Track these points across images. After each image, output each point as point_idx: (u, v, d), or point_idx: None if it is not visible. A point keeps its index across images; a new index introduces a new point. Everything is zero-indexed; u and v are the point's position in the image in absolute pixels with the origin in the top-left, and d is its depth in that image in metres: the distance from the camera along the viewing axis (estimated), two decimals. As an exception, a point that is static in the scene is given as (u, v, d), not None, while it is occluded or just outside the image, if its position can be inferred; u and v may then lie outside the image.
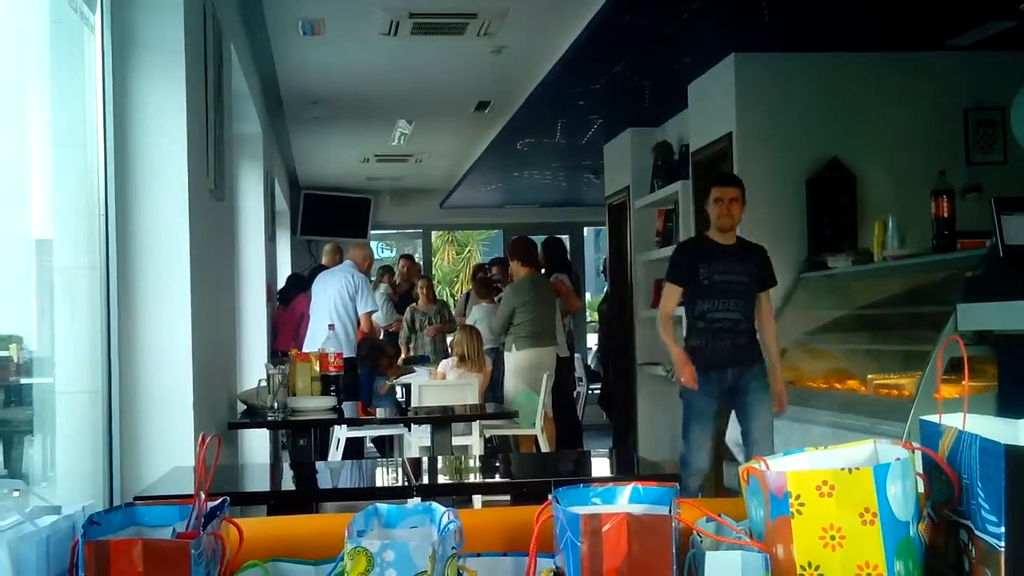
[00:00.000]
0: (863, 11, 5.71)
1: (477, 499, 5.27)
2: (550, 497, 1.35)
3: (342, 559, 1.27)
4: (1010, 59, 6.15)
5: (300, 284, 9.18)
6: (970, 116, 6.43)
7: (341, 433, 7.07)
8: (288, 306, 8.94)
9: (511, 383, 7.60)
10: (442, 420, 5.60)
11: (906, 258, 5.24)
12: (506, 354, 7.75)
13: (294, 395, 5.14)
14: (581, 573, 1.25)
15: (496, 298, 8.69)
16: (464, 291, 12.12)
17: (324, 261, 9.33)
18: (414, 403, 6.84)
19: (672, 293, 5.17)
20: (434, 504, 1.43)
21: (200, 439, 1.42)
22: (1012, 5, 5.44)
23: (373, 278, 9.94)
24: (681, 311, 5.42)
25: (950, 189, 5.10)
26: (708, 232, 5.21)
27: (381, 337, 9.68)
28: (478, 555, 1.46)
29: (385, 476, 4.12)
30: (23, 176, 3.15)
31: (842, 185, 6.31)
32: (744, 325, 5.04)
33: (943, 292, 4.83)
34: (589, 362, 12.27)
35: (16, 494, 1.48)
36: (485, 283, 9.30)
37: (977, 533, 1.23)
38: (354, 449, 7.68)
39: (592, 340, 13.45)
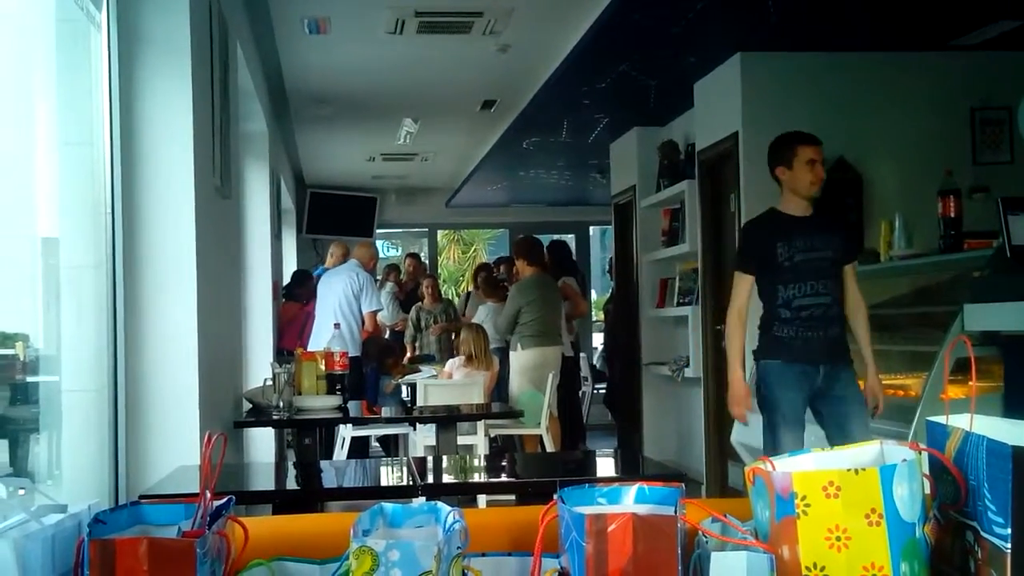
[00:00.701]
0: (870, 11, 5.70)
1: (482, 498, 5.27)
2: (555, 497, 1.35)
3: (347, 558, 1.27)
4: (1017, 58, 6.14)
5: (308, 282, 9.19)
6: (977, 115, 6.42)
7: (346, 432, 7.08)
8: (295, 303, 8.97)
9: (516, 382, 7.60)
10: (447, 419, 5.60)
11: (912, 258, 5.22)
12: (511, 353, 7.75)
13: (299, 394, 5.15)
14: (586, 573, 1.25)
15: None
16: (465, 291, 12.12)
17: (328, 263, 9.32)
18: (419, 402, 6.85)
19: (743, 284, 4.40)
20: (439, 504, 1.43)
21: (206, 438, 1.42)
22: (1019, 4, 5.43)
23: (378, 277, 9.94)
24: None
25: (957, 189, 5.08)
26: (779, 206, 4.49)
27: (386, 336, 9.68)
28: (483, 555, 1.46)
29: (390, 475, 4.12)
30: (30, 174, 3.15)
31: (848, 185, 6.30)
32: (835, 310, 4.33)
33: (950, 292, 4.82)
34: (594, 362, 12.26)
35: (22, 492, 1.47)
36: (492, 282, 9.29)
37: (983, 534, 1.22)
38: (359, 448, 7.69)
39: (597, 339, 13.45)
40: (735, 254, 4.50)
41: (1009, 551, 1.18)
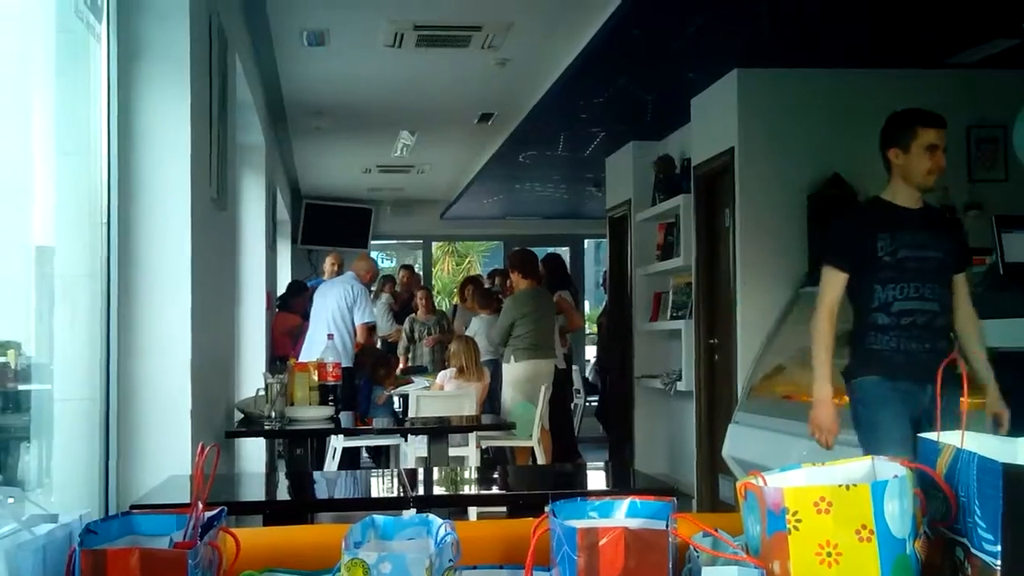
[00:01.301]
0: (866, 28, 5.72)
1: (473, 511, 5.26)
2: (547, 510, 1.35)
3: (339, 570, 1.27)
4: (1012, 77, 6.16)
5: (303, 293, 9.21)
6: (972, 133, 6.44)
7: (338, 443, 7.07)
8: (290, 313, 8.99)
9: (509, 394, 7.60)
10: (439, 431, 5.59)
11: (906, 275, 5.22)
12: (504, 365, 7.75)
13: (292, 404, 5.14)
14: (577, 587, 1.25)
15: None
16: (452, 304, 12.13)
17: (326, 277, 9.36)
18: (411, 413, 6.84)
19: (834, 282, 3.78)
20: (431, 516, 1.43)
21: (199, 448, 1.42)
22: (1015, 23, 5.45)
23: (374, 287, 9.94)
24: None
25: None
26: (884, 194, 3.89)
27: (379, 347, 9.69)
28: (474, 568, 1.46)
29: (381, 487, 4.11)
30: (26, 183, 3.15)
31: (843, 201, 6.30)
32: (942, 322, 3.71)
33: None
34: (587, 374, 12.26)
35: (11, 501, 1.47)
36: (485, 294, 9.31)
37: (973, 551, 1.23)
38: (350, 459, 7.68)
39: (590, 352, 13.46)
40: (824, 248, 3.92)
41: (999, 568, 1.18)
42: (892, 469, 1.32)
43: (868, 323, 3.73)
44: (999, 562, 1.18)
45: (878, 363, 3.68)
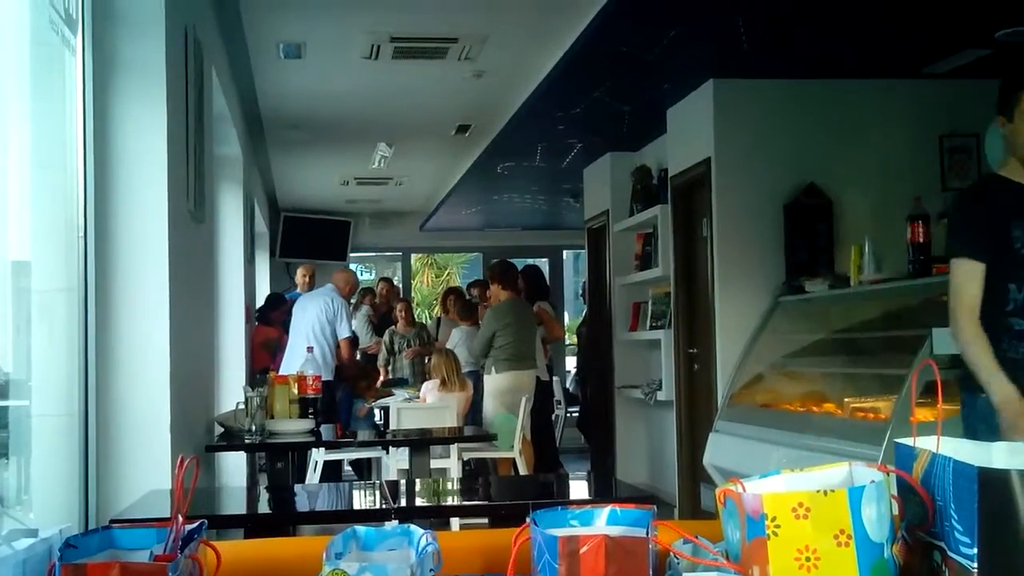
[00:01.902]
0: (841, 39, 5.77)
1: (455, 521, 5.25)
2: (528, 519, 1.36)
3: (320, 581, 1.27)
4: (984, 87, 6.18)
5: (281, 305, 9.18)
6: (945, 142, 6.50)
7: (319, 456, 7.05)
8: (268, 326, 8.96)
9: (490, 406, 7.59)
10: (420, 443, 5.59)
11: (882, 283, 5.28)
12: (485, 377, 7.75)
13: (272, 418, 5.12)
14: (559, 595, 1.26)
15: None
16: (435, 316, 12.13)
17: (298, 288, 9.35)
18: (392, 426, 6.83)
19: (970, 275, 3.18)
20: (412, 527, 1.43)
21: (179, 461, 1.42)
22: (988, 34, 5.52)
23: (354, 300, 9.93)
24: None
25: (925, 214, 5.14)
26: (1002, 171, 3.34)
27: (358, 359, 9.66)
28: (456, 577, 1.46)
29: (363, 499, 4.10)
30: (1, 196, 3.13)
31: (819, 210, 6.36)
32: None
33: (918, 316, 4.87)
34: (567, 385, 12.27)
35: (-9, 517, 1.47)
36: (467, 305, 9.31)
37: (950, 554, 1.24)
38: (332, 472, 7.65)
39: (570, 363, 13.47)
40: (947, 236, 3.40)
41: (976, 571, 1.20)
42: (869, 474, 1.33)
43: (1001, 327, 3.17)
44: (976, 565, 1.20)
45: (1016, 376, 3.11)
